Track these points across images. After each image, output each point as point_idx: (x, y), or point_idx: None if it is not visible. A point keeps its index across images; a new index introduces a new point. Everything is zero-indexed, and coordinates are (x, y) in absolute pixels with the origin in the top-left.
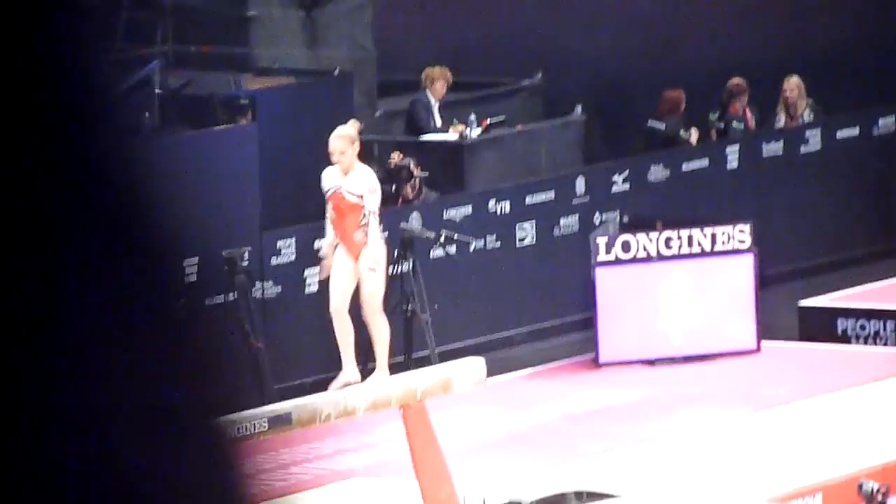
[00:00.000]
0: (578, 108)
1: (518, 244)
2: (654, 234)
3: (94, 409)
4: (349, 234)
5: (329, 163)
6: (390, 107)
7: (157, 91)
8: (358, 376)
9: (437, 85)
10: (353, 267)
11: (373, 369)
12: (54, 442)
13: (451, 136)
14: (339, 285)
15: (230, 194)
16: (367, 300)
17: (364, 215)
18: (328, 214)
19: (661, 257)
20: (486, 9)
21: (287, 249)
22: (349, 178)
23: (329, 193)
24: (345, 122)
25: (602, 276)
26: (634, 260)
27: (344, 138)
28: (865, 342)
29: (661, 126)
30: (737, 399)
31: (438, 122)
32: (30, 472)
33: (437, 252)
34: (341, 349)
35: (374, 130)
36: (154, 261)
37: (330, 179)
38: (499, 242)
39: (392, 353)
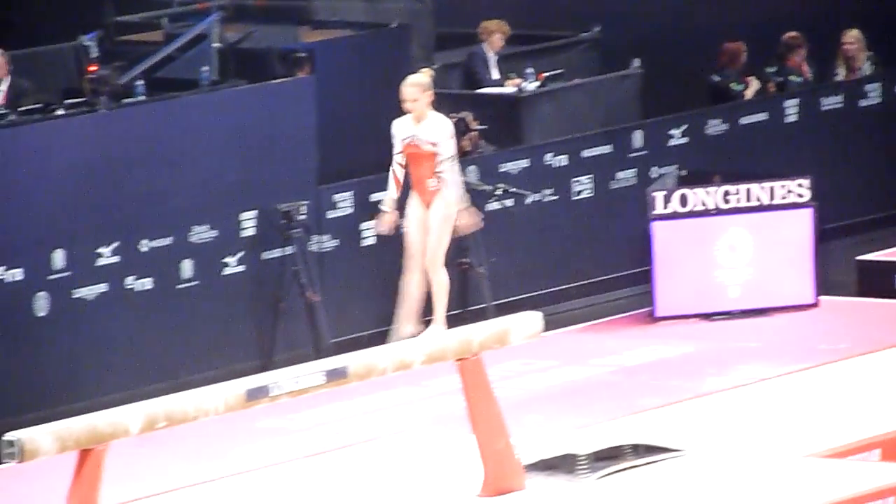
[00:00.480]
0: (636, 62)
1: (574, 197)
2: (711, 188)
3: None
4: (423, 182)
5: (400, 112)
6: (447, 60)
7: (215, 45)
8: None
9: (494, 38)
10: (425, 217)
11: (429, 322)
12: None
13: (509, 89)
14: (414, 238)
15: (287, 148)
16: (431, 251)
17: (438, 163)
18: (393, 168)
19: (718, 211)
20: None
21: (344, 203)
22: (422, 127)
23: (403, 143)
24: (414, 72)
25: (659, 230)
26: (692, 214)
27: (416, 86)
28: None
29: (717, 79)
30: (794, 353)
31: (495, 76)
32: None
33: (493, 205)
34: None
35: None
36: None
37: (403, 129)
38: (555, 196)
39: (448, 307)
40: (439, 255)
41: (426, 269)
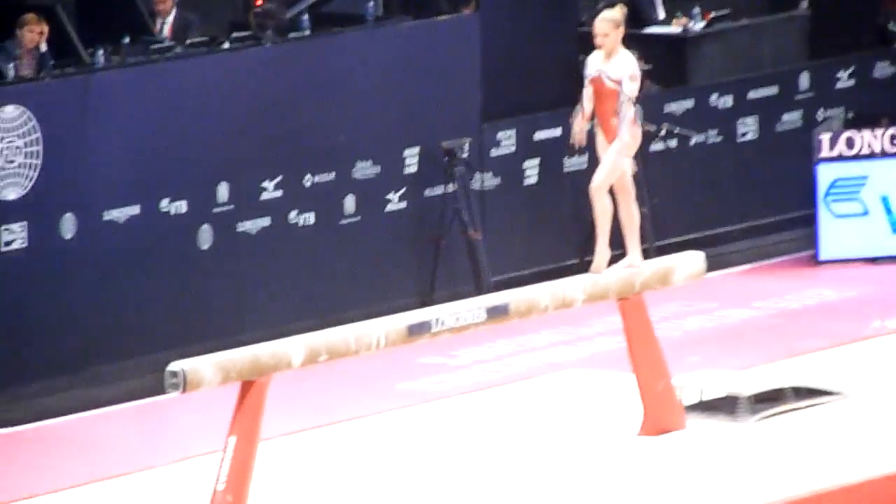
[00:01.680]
0: (804, 2)
1: (740, 139)
2: (878, 131)
3: None
4: (607, 119)
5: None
6: None
7: None
8: (640, 260)
9: None
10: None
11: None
12: None
13: (675, 28)
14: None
15: (451, 85)
16: (597, 177)
17: (620, 102)
18: (582, 100)
19: (885, 154)
20: None
21: (507, 141)
22: (611, 64)
23: (590, 78)
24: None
25: (825, 173)
26: (858, 157)
27: (608, 21)
28: None
29: (882, 21)
30: None
31: (662, 15)
32: None
33: (657, 145)
34: (601, 232)
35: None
36: None
37: (592, 64)
38: (720, 137)
39: (611, 246)
40: (605, 183)
41: (594, 193)
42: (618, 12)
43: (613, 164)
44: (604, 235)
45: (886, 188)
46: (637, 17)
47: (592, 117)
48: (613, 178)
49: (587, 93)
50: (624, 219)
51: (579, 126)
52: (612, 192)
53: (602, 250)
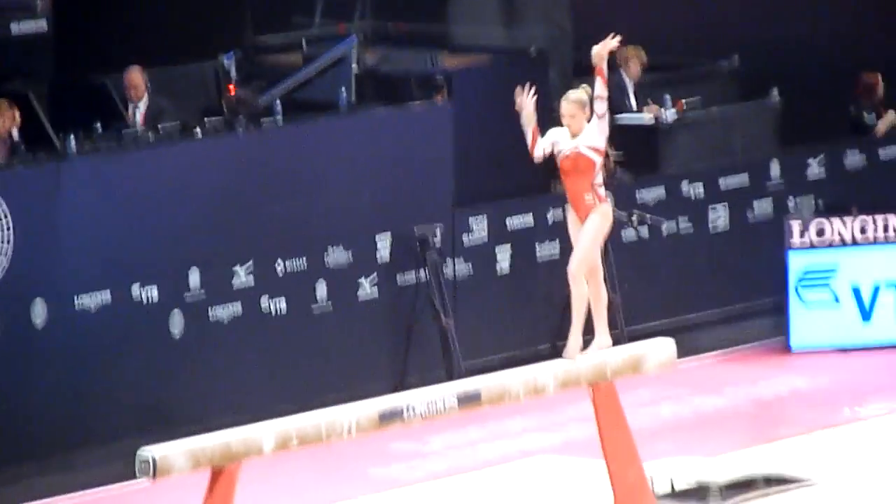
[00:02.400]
0: (775, 91)
1: (711, 227)
2: (849, 219)
3: None
4: (581, 196)
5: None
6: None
7: (353, 67)
8: (608, 342)
9: (631, 65)
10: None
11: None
12: None
13: (647, 117)
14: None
15: (424, 171)
16: (575, 260)
17: (596, 174)
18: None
19: (855, 243)
20: None
21: (479, 227)
22: (584, 137)
23: (562, 155)
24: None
25: (796, 261)
26: (829, 244)
27: (576, 102)
28: None
29: (853, 110)
30: None
31: (633, 104)
32: None
33: (628, 233)
34: (576, 317)
35: None
36: None
37: (561, 139)
38: (691, 225)
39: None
40: (581, 265)
41: (572, 278)
42: (583, 93)
43: (589, 244)
44: (578, 320)
45: (857, 277)
46: (608, 105)
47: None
48: (589, 260)
49: (540, 145)
50: (592, 299)
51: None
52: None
53: (576, 335)
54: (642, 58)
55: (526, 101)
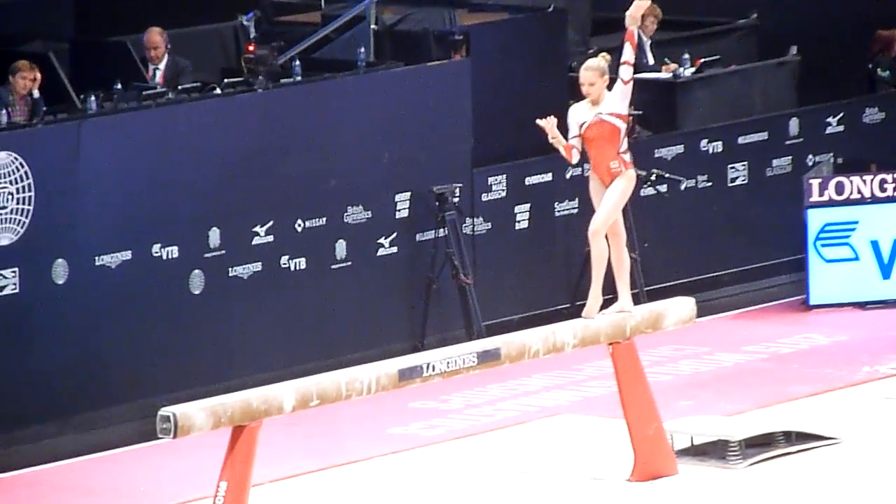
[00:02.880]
0: (793, 49)
1: (729, 184)
2: (868, 176)
3: None
4: (605, 164)
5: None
6: (604, 44)
7: (372, 26)
8: (630, 306)
9: (646, 22)
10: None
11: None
12: None
13: (664, 74)
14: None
15: (442, 131)
16: (597, 219)
17: (621, 141)
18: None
19: (875, 199)
20: None
21: (498, 186)
22: (602, 106)
23: (582, 128)
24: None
25: (815, 218)
26: (848, 202)
27: (594, 70)
28: None
29: (869, 66)
30: None
31: (650, 61)
32: None
33: (647, 191)
34: (596, 276)
35: None
36: None
37: (581, 114)
38: (710, 182)
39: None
40: (603, 226)
41: (592, 236)
42: (602, 60)
43: (613, 205)
44: (598, 280)
45: (876, 233)
46: None
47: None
48: (610, 221)
49: (574, 143)
50: (615, 263)
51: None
52: (605, 236)
53: (595, 294)
54: (658, 14)
55: (548, 128)
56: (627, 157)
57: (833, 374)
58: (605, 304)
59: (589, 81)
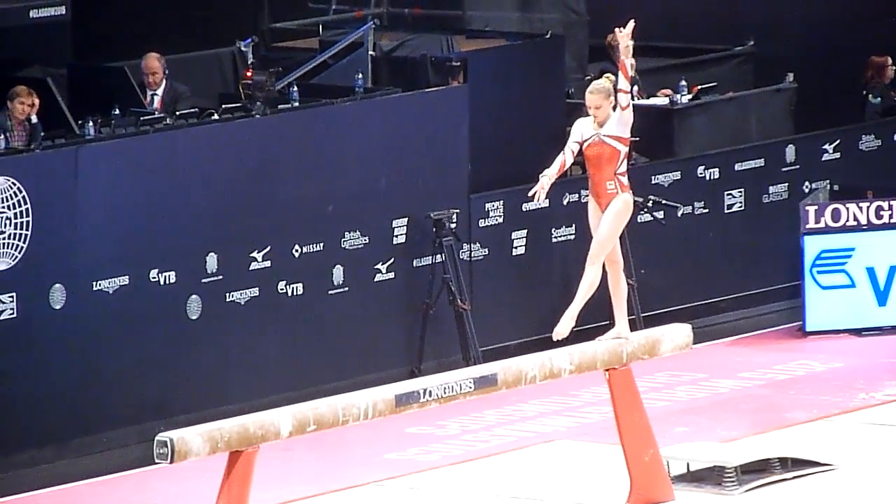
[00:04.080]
0: (790, 76)
1: (726, 211)
2: (864, 203)
3: None
4: (603, 184)
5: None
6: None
7: (370, 52)
8: (627, 333)
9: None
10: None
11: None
12: None
13: (661, 101)
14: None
15: (440, 156)
16: (594, 244)
17: (620, 163)
18: (563, 154)
19: (871, 226)
20: None
21: (495, 212)
22: (608, 126)
23: (586, 143)
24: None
25: (811, 244)
26: (844, 228)
27: (599, 92)
28: None
29: (864, 93)
30: None
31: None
32: None
33: (644, 217)
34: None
35: (583, 94)
36: None
37: (586, 129)
38: (707, 209)
39: (598, 317)
40: (601, 252)
41: (590, 261)
42: (607, 82)
43: (610, 231)
44: (579, 303)
45: (872, 260)
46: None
47: (564, 175)
48: (609, 246)
49: (571, 147)
50: (613, 289)
51: (549, 179)
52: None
53: (572, 314)
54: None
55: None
56: (625, 179)
57: (829, 401)
58: (603, 330)
59: (595, 105)
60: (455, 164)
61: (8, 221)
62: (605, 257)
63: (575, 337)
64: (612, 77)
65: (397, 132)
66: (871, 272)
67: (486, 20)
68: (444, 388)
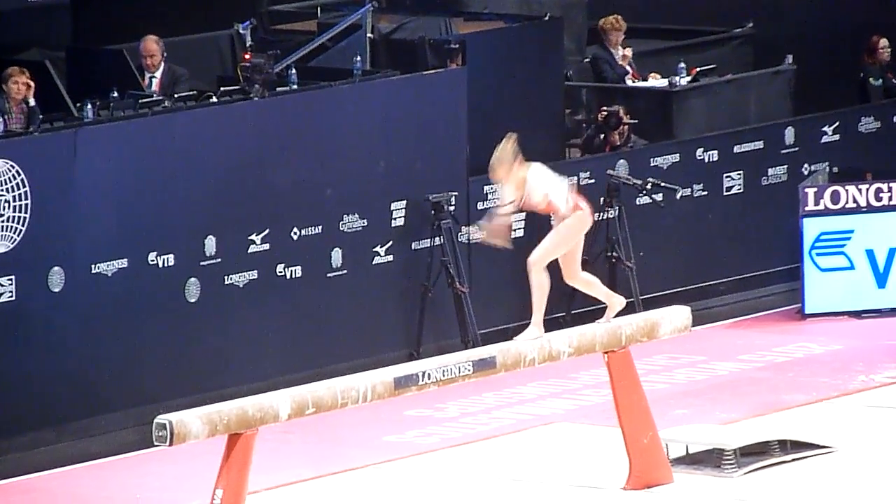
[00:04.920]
0: (789, 58)
1: (725, 193)
2: (863, 186)
3: None
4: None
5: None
6: (598, 52)
7: (368, 35)
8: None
9: (610, 36)
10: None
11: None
12: None
13: (660, 83)
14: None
15: (438, 139)
16: (539, 248)
17: (556, 209)
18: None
19: (870, 208)
20: None
21: (493, 194)
22: (528, 191)
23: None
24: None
25: (810, 226)
26: (843, 211)
27: (500, 163)
28: None
29: (861, 75)
30: None
31: (627, 71)
32: None
33: (643, 199)
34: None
35: (582, 77)
36: None
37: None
38: (706, 191)
39: (596, 299)
40: (544, 258)
41: (529, 267)
42: (507, 145)
43: (555, 243)
44: (538, 310)
45: (872, 242)
46: (598, 78)
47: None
48: (550, 257)
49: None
50: (532, 286)
51: (502, 220)
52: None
53: (537, 322)
54: (620, 25)
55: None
56: (571, 201)
57: (828, 383)
58: (598, 314)
59: (496, 179)
60: (453, 147)
61: (7, 204)
62: (547, 262)
63: (573, 320)
64: (512, 134)
65: (396, 115)
66: (870, 254)
67: (485, 2)
68: (443, 371)
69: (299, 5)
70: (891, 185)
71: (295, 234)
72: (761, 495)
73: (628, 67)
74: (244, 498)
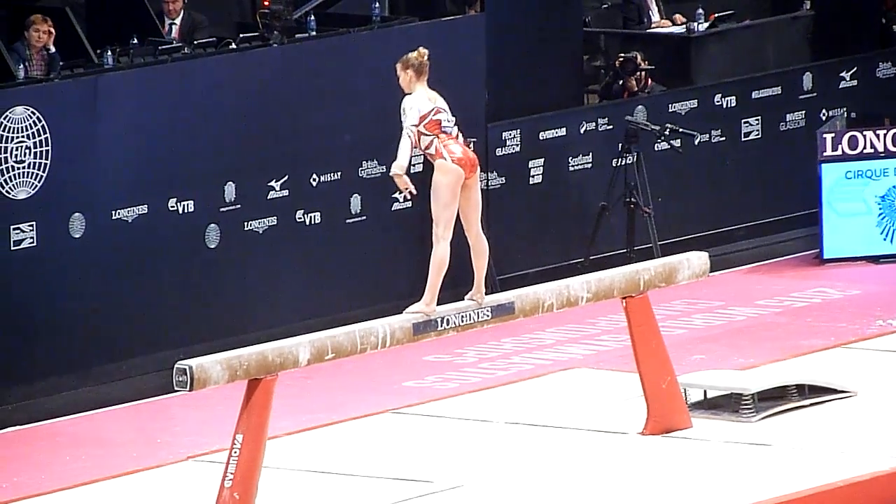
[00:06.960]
0: (807, 3)
1: (743, 139)
2: (881, 131)
3: None
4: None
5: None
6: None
7: None
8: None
9: None
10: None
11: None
12: None
13: (678, 29)
14: None
15: (457, 85)
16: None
17: (425, 145)
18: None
19: (888, 153)
20: None
21: (512, 141)
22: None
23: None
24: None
25: (829, 172)
26: (861, 156)
27: (399, 63)
28: None
29: (884, 21)
30: None
31: (654, 15)
32: None
33: (661, 145)
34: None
35: (600, 23)
36: None
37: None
38: (724, 137)
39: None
40: (438, 226)
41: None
42: (411, 53)
43: (436, 208)
44: (431, 286)
45: (890, 187)
46: (627, 25)
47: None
48: (442, 222)
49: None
50: (473, 252)
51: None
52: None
53: (431, 289)
54: None
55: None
56: (433, 148)
57: (846, 328)
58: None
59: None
60: (472, 94)
61: (27, 151)
62: (446, 230)
63: (592, 265)
64: (423, 49)
65: None
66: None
67: None
68: (462, 317)
69: None
70: None
71: (314, 180)
72: (779, 440)
73: (657, 12)
74: (264, 442)
